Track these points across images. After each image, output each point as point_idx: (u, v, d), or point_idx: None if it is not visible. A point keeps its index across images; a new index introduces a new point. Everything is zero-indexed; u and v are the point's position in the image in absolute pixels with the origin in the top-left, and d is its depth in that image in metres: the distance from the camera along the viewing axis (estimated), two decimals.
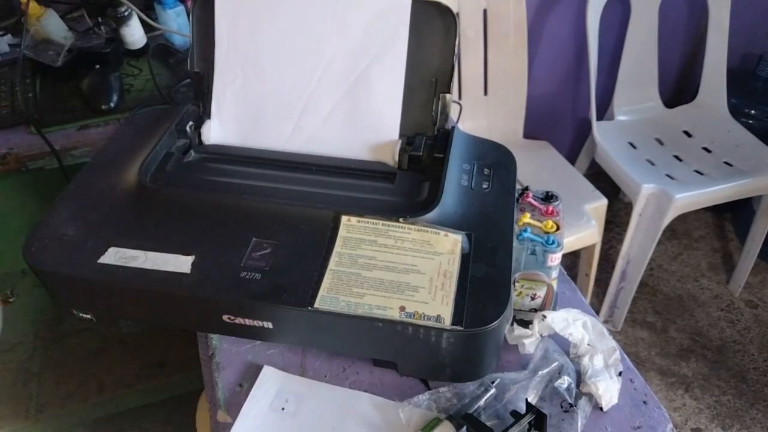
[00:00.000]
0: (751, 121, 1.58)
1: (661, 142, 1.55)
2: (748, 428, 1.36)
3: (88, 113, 0.97)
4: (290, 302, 0.51)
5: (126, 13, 1.05)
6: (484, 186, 0.62)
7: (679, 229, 1.83)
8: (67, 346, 1.29)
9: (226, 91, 0.68)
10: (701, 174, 1.42)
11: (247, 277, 0.53)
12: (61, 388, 1.22)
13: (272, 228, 0.57)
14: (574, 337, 0.57)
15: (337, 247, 0.55)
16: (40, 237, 0.58)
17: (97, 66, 1.02)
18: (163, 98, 0.98)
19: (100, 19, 1.10)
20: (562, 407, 0.54)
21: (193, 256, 0.54)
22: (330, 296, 0.52)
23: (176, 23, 1.10)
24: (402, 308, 0.51)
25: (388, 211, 0.57)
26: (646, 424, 0.54)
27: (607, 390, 0.54)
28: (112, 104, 0.97)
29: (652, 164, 1.47)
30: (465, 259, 0.54)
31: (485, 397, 0.53)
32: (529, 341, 0.58)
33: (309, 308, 0.51)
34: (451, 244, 0.55)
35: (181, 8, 1.10)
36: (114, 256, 0.55)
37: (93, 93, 0.99)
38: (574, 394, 0.55)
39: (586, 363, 0.56)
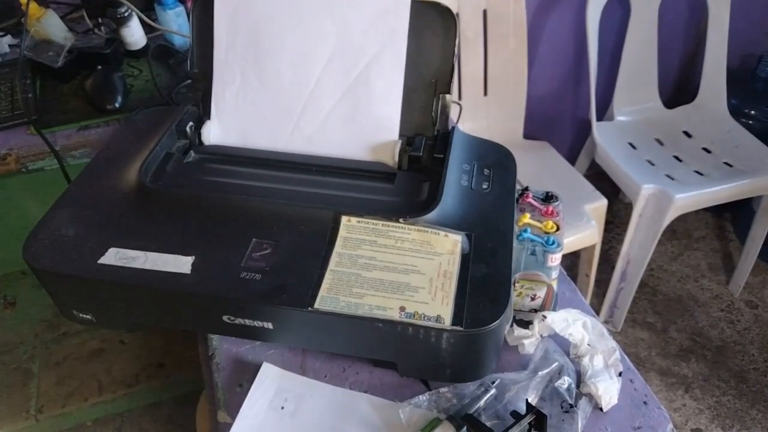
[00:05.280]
0: (751, 122, 1.58)
1: (661, 143, 1.55)
2: (748, 429, 1.35)
3: (88, 113, 0.97)
4: (290, 303, 0.51)
5: (126, 14, 1.05)
6: (484, 186, 0.62)
7: (679, 230, 1.83)
8: (67, 346, 1.29)
9: (225, 92, 0.68)
10: (701, 174, 1.42)
11: (247, 277, 0.53)
12: (61, 389, 1.22)
13: (272, 228, 0.57)
14: (574, 337, 0.57)
15: (337, 248, 0.55)
16: (40, 237, 0.58)
17: (99, 66, 1.02)
18: (163, 99, 0.98)
19: (100, 20, 1.10)
20: (562, 408, 0.54)
21: (194, 257, 0.54)
22: (330, 296, 0.52)
23: (176, 24, 1.10)
24: (402, 308, 0.51)
25: (388, 211, 0.57)
26: (646, 425, 0.54)
27: (607, 390, 0.54)
28: (117, 104, 0.97)
29: (652, 164, 1.47)
30: (465, 259, 0.54)
31: (485, 398, 0.53)
32: (529, 342, 0.58)
33: (309, 309, 0.51)
34: (451, 244, 0.55)
35: (181, 9, 1.10)
36: (114, 256, 0.55)
37: (97, 93, 0.99)
38: (574, 395, 0.55)
39: (586, 363, 0.56)
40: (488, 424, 0.51)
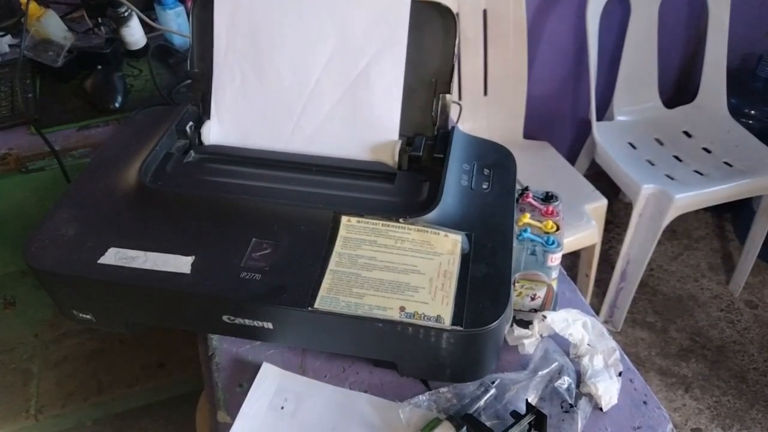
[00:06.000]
0: (750, 122, 1.58)
1: (660, 143, 1.55)
2: (748, 428, 1.36)
3: (88, 113, 0.97)
4: (290, 303, 0.51)
5: (126, 14, 1.05)
6: (484, 186, 0.62)
7: (679, 230, 1.83)
8: (67, 346, 1.29)
9: (225, 92, 0.68)
10: (701, 174, 1.42)
11: (247, 277, 0.53)
12: (61, 389, 1.22)
13: (272, 228, 0.57)
14: (574, 337, 0.57)
15: (337, 248, 0.55)
16: (40, 237, 0.58)
17: (99, 66, 1.02)
18: (163, 98, 0.98)
19: (100, 20, 1.10)
20: (562, 407, 0.54)
21: (193, 257, 0.54)
22: (330, 296, 0.52)
23: (176, 23, 1.10)
24: (402, 308, 0.51)
25: (388, 211, 0.57)
26: (646, 425, 0.54)
27: (607, 390, 0.54)
28: (117, 104, 0.97)
29: (652, 164, 1.47)
30: (465, 259, 0.54)
31: (485, 398, 0.53)
32: (529, 342, 0.58)
33: (309, 309, 0.51)
34: (451, 244, 0.55)
35: (180, 8, 1.10)
36: (114, 256, 0.55)
37: (98, 93, 0.99)
38: (574, 395, 0.55)
39: (586, 363, 0.56)
40: (488, 424, 0.51)
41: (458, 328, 0.49)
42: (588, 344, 0.57)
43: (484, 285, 0.52)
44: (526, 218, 0.61)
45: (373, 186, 0.63)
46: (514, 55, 1.44)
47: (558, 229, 0.60)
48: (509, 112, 1.51)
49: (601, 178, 1.49)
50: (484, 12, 1.38)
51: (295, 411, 0.55)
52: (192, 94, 0.70)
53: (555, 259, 0.59)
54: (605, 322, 1.56)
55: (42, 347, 1.29)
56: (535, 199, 0.64)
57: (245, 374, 0.58)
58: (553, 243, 0.59)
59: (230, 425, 0.54)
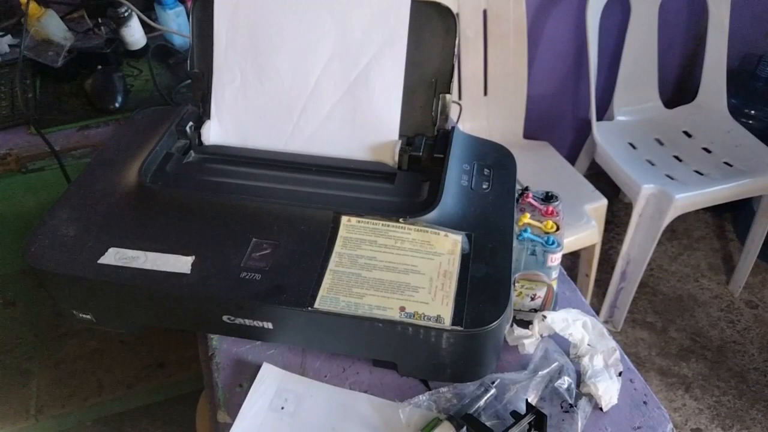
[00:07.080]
0: (751, 122, 1.58)
1: (661, 143, 1.55)
2: (748, 428, 1.35)
3: (88, 114, 0.97)
4: (290, 302, 0.51)
5: (126, 14, 1.05)
6: (484, 186, 0.62)
7: (679, 230, 1.83)
8: (67, 346, 1.29)
9: (225, 92, 0.68)
10: (701, 174, 1.42)
11: (247, 277, 0.53)
12: (60, 389, 1.22)
13: (272, 228, 0.57)
14: (574, 337, 0.57)
15: (337, 248, 0.55)
16: (40, 237, 0.58)
17: (99, 66, 1.02)
18: (163, 99, 0.98)
19: (100, 20, 1.10)
20: (562, 407, 0.54)
21: (193, 257, 0.54)
22: (330, 296, 0.52)
23: (176, 24, 1.10)
24: (402, 308, 0.51)
25: (388, 211, 0.57)
26: (646, 425, 0.54)
27: (607, 390, 0.54)
28: (117, 104, 0.97)
29: (652, 164, 1.47)
30: (465, 259, 0.54)
31: (485, 398, 0.53)
32: (529, 341, 0.58)
33: (309, 308, 0.51)
34: (451, 244, 0.55)
35: (180, 9, 1.10)
36: (114, 256, 0.55)
37: (98, 93, 0.99)
38: (574, 395, 0.55)
39: (586, 363, 0.56)
40: (488, 424, 0.51)
41: (458, 328, 0.49)
42: (588, 344, 0.57)
43: (484, 285, 0.52)
44: (526, 218, 0.61)
45: (373, 186, 0.63)
46: (514, 55, 1.44)
47: (558, 229, 0.60)
48: (509, 112, 1.51)
49: (601, 178, 1.49)
50: (484, 12, 1.38)
51: (295, 411, 0.55)
52: (192, 94, 0.70)
53: (555, 259, 0.59)
54: (605, 322, 1.56)
55: (42, 347, 1.29)
56: (535, 199, 0.64)
57: (245, 374, 0.58)
58: (553, 243, 0.59)
59: (230, 425, 0.54)
